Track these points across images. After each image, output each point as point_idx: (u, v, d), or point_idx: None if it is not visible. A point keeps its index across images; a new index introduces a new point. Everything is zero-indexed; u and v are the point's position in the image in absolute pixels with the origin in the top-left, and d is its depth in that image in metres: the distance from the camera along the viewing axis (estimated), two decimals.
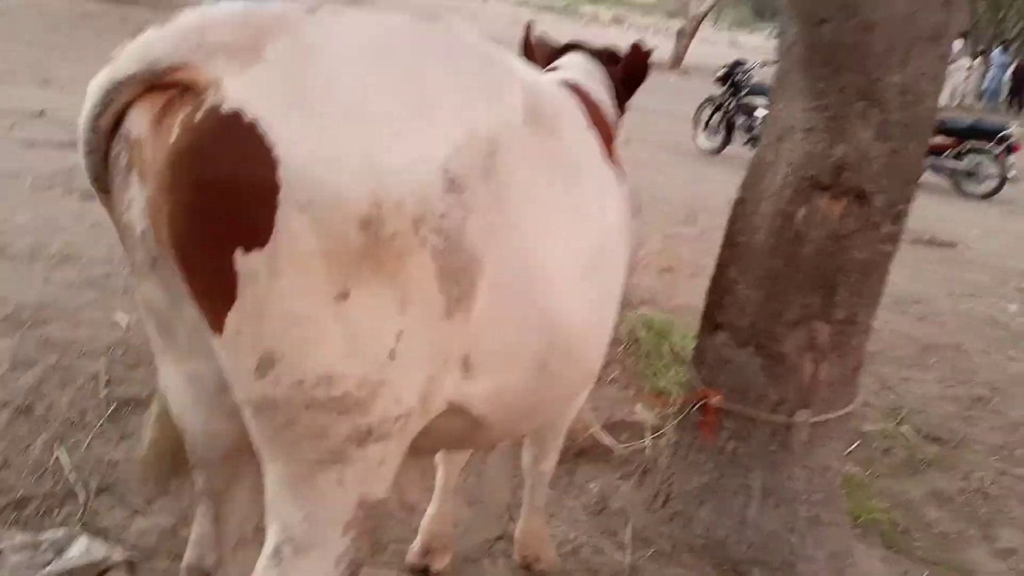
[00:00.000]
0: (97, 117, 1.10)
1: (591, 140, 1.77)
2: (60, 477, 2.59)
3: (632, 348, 4.25)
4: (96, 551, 2.20)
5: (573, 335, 1.56)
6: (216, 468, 1.42)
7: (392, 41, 1.18)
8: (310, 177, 1.03)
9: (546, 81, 1.80)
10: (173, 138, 1.05)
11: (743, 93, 11.24)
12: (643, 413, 3.54)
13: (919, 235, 7.87)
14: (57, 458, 2.66)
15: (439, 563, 2.44)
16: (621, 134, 2.38)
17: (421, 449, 1.80)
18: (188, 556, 1.50)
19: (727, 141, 11.43)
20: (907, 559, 2.86)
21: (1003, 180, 10.68)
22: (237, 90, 1.04)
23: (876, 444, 3.61)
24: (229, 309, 1.09)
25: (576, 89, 1.97)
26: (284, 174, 1.03)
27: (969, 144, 10.66)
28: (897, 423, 3.81)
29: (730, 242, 2.67)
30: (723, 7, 35.33)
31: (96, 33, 12.87)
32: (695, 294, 3.24)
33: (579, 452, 3.22)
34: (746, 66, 11.60)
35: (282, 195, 1.03)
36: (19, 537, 2.23)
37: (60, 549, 2.20)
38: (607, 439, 3.28)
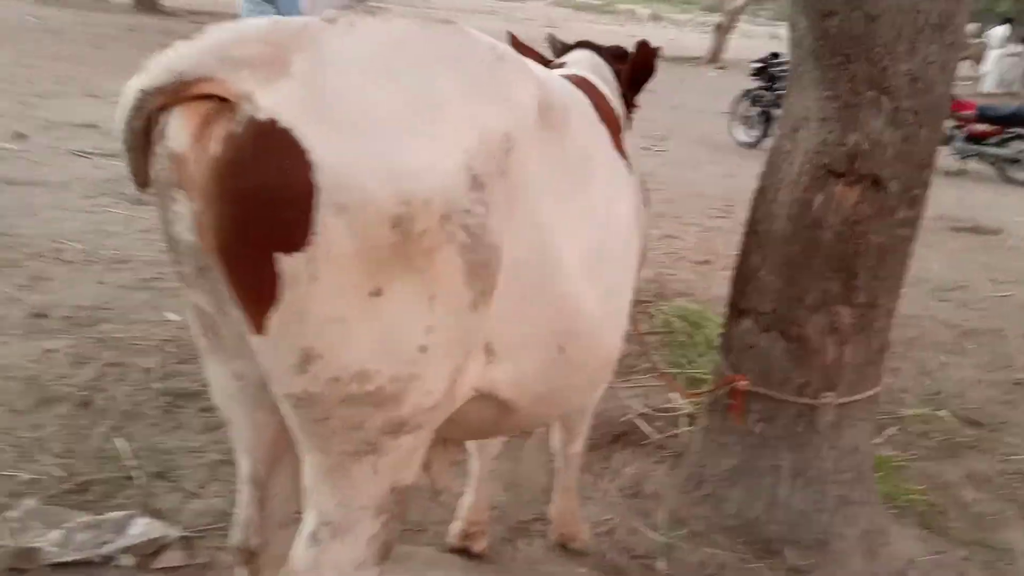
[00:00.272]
0: (131, 120, 1.16)
1: (601, 133, 1.82)
2: (119, 464, 2.74)
3: (668, 338, 4.31)
4: (154, 530, 2.34)
5: (588, 321, 1.60)
6: (259, 456, 1.50)
7: (408, 47, 1.22)
8: (344, 180, 1.08)
9: (555, 77, 1.83)
10: (214, 151, 1.09)
11: (779, 86, 11.14)
12: (678, 401, 3.60)
13: (962, 223, 7.78)
14: (116, 446, 2.82)
15: (477, 545, 2.54)
16: (630, 129, 2.45)
17: (458, 437, 1.88)
18: (234, 537, 1.59)
19: (764, 134, 11.30)
20: (943, 539, 2.87)
21: None
22: (269, 101, 1.07)
23: (913, 428, 3.62)
24: (270, 310, 1.13)
25: (583, 82, 2.02)
26: (320, 178, 1.07)
27: (1013, 131, 10.47)
28: (935, 408, 3.81)
29: (751, 230, 2.73)
30: (763, 0, 35.00)
31: (140, 47, 13.16)
32: None
33: (615, 438, 3.30)
34: (781, 58, 11.50)
35: (319, 198, 1.07)
36: (83, 518, 2.38)
37: (120, 528, 2.34)
38: (644, 427, 3.35)
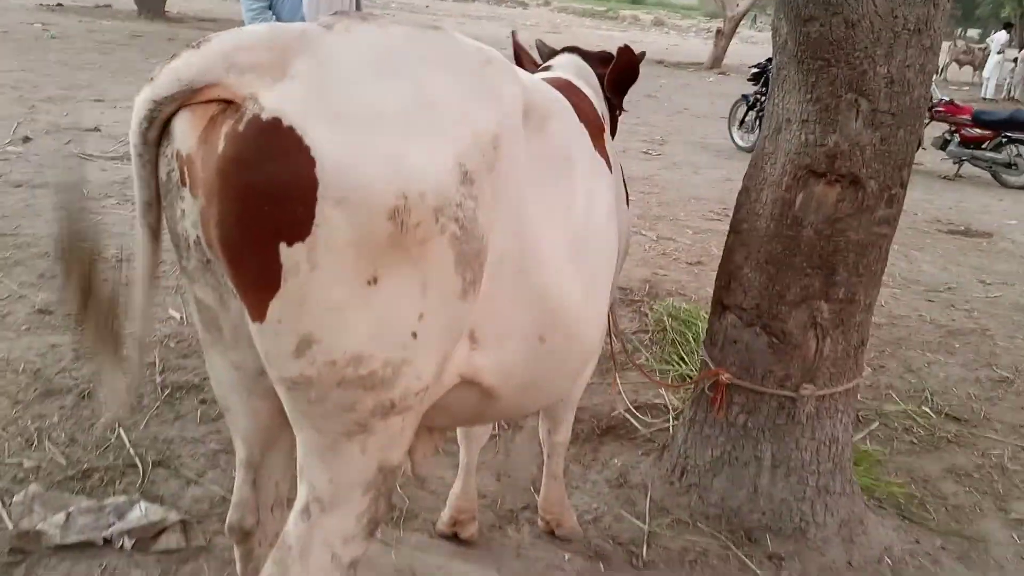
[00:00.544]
0: (145, 131, 1.24)
1: (581, 133, 1.89)
2: (121, 452, 2.83)
3: (658, 336, 4.39)
4: (153, 514, 2.42)
5: (567, 311, 1.68)
6: (254, 441, 1.59)
7: (402, 50, 1.31)
8: (343, 174, 1.15)
9: (540, 80, 1.93)
10: (220, 149, 1.16)
11: None
12: (667, 396, 3.68)
13: (955, 225, 7.86)
14: (118, 435, 2.91)
15: (465, 532, 2.62)
16: (614, 131, 2.53)
17: (444, 424, 1.96)
18: (230, 517, 1.68)
19: None
20: (920, 529, 2.95)
21: None
22: (272, 101, 1.15)
23: (896, 424, 3.69)
24: (272, 298, 1.20)
25: (567, 85, 2.11)
26: (320, 172, 1.14)
27: (1008, 136, 10.53)
28: (919, 404, 3.89)
29: (735, 229, 2.81)
30: (766, 6, 35.05)
31: (145, 53, 13.39)
32: None
33: (604, 432, 3.39)
34: None
35: (320, 191, 1.14)
36: (85, 503, 2.47)
37: (121, 513, 2.43)
38: (633, 421, 3.43)
